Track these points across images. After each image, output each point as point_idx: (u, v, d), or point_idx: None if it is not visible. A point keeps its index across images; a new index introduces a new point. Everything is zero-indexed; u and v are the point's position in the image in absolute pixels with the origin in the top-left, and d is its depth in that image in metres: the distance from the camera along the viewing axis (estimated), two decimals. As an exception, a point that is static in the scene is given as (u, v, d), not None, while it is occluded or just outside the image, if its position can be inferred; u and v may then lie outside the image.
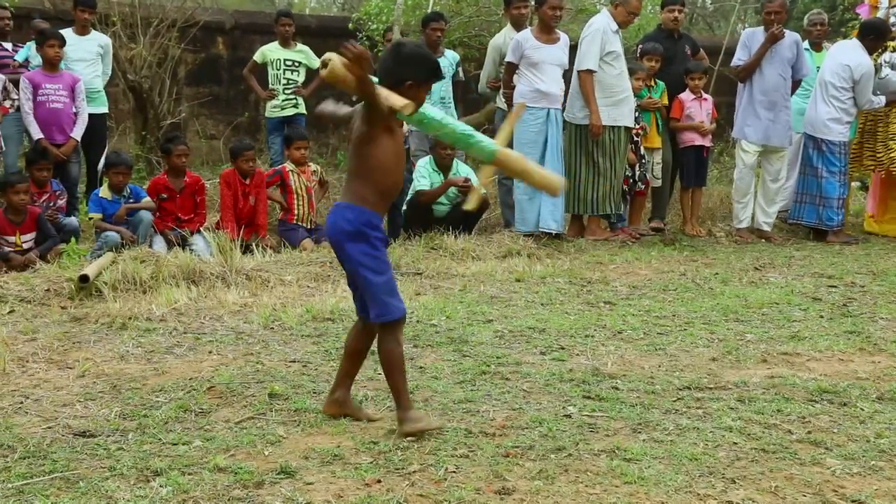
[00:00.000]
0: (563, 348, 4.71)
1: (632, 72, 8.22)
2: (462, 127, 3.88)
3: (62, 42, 7.72)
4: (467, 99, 11.79)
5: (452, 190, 7.82)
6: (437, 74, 3.56)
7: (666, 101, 8.65)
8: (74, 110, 7.84)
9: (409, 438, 3.35)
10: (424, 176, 7.82)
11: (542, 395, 3.95)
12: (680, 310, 5.65)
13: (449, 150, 7.81)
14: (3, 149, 7.45)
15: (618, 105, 8.00)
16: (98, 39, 8.60)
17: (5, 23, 8.27)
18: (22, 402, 3.77)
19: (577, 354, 4.62)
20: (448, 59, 8.53)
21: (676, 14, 8.74)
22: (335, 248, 3.51)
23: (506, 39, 8.34)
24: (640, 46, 8.88)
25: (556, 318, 5.35)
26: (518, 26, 8.36)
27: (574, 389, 4.01)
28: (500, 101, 8.45)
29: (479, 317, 5.38)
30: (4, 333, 4.75)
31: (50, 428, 3.48)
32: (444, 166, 7.88)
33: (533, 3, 8.32)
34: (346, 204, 3.46)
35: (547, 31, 7.87)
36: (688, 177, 8.84)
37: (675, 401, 3.89)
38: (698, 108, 8.74)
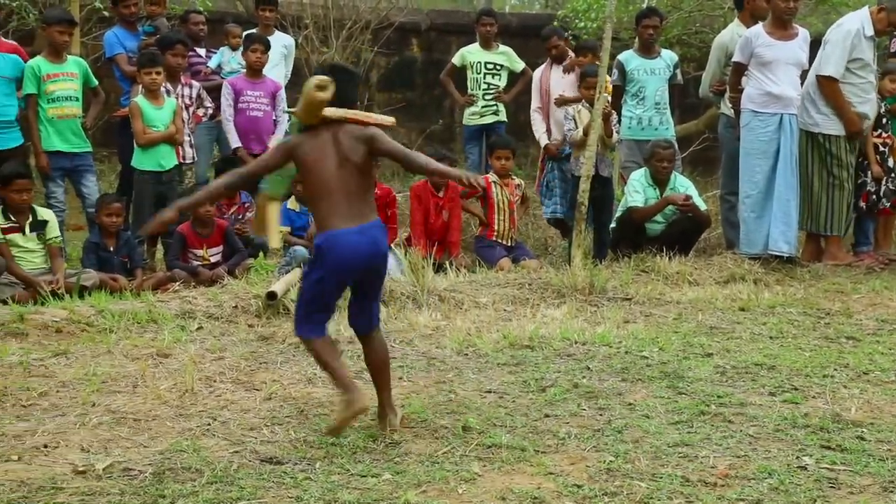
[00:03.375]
0: (796, 389, 4.54)
1: (885, 72, 7.83)
2: None
3: (266, 46, 8.14)
4: (685, 104, 11.56)
5: (669, 207, 7.68)
6: None
7: None
8: (274, 118, 8.23)
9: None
10: (638, 191, 7.71)
11: (771, 441, 3.82)
12: (940, 349, 5.31)
13: (666, 163, 7.68)
14: (196, 159, 7.93)
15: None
16: (282, 40, 9.01)
17: (200, 28, 8.80)
18: (209, 424, 4.00)
19: (814, 397, 4.43)
20: (664, 60, 8.40)
21: None
22: (377, 268, 3.96)
23: (733, 36, 8.12)
24: None
25: (787, 354, 5.16)
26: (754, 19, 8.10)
27: (810, 437, 3.86)
28: (725, 107, 8.24)
29: (697, 349, 5.26)
30: (192, 351, 5.06)
31: (237, 452, 3.66)
32: (660, 180, 7.75)
33: None
34: (380, 223, 3.98)
35: (782, 26, 7.61)
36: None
37: (934, 457, 3.66)
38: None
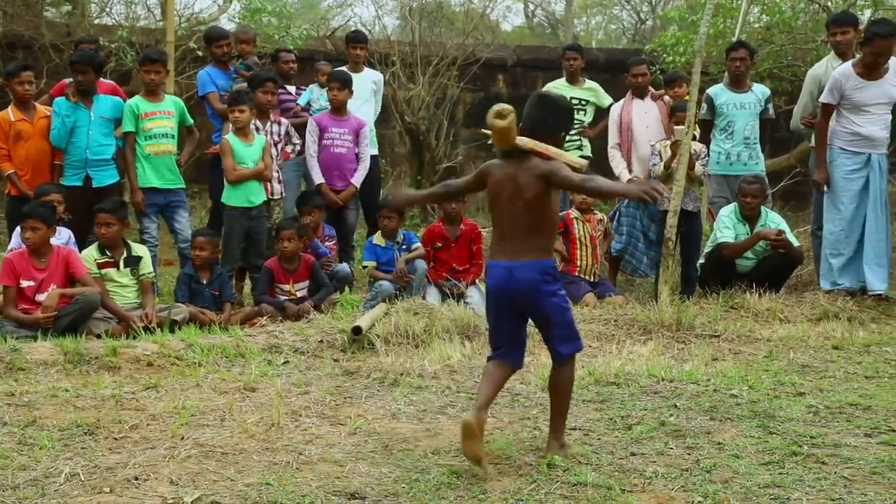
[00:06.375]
0: (893, 430, 4.41)
1: None
2: None
3: (343, 84, 8.25)
4: (776, 138, 11.39)
5: (761, 243, 7.55)
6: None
7: None
8: (357, 153, 8.34)
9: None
10: (728, 227, 7.61)
11: (867, 484, 3.71)
12: None
13: (751, 198, 7.57)
14: (283, 195, 8.07)
15: None
16: (371, 76, 9.13)
17: (290, 66, 8.98)
18: (295, 459, 4.04)
19: (912, 439, 4.30)
20: (755, 94, 8.28)
21: None
22: (529, 301, 3.95)
23: (828, 69, 7.96)
24: None
25: (884, 395, 5.03)
26: (842, 56, 7.96)
27: (908, 481, 3.74)
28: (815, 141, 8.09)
29: (788, 388, 5.16)
30: (279, 385, 5.13)
31: (321, 487, 3.69)
32: (749, 216, 7.65)
33: (862, 29, 7.85)
34: (535, 262, 3.92)
35: (874, 66, 7.43)
36: None
37: None
38: None
